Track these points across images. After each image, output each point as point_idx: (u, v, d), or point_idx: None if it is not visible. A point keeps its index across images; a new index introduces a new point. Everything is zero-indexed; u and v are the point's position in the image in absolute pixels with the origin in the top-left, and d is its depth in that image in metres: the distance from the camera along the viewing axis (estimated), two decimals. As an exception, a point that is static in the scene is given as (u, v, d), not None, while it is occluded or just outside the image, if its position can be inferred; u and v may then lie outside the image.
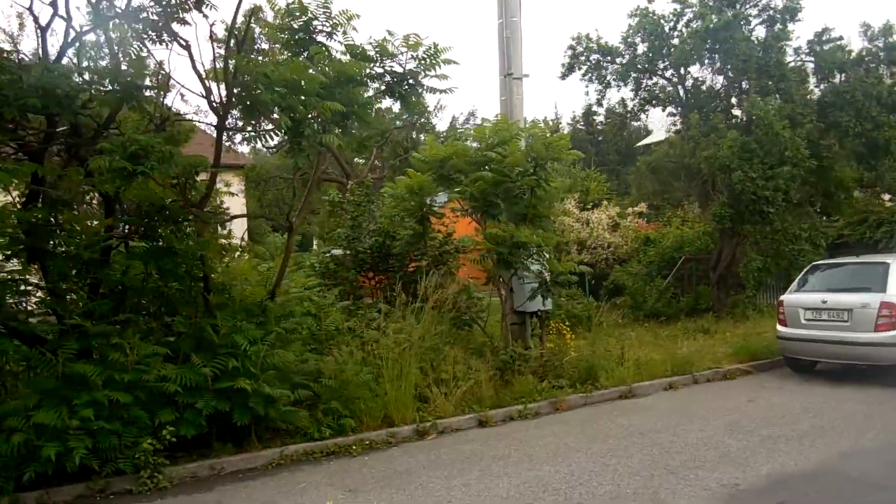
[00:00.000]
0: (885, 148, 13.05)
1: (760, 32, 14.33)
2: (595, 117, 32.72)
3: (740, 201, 12.01)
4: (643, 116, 17.47)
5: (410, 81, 7.20)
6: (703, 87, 14.88)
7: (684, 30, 14.32)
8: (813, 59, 14.19)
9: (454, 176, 9.21)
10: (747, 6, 14.12)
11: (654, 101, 15.99)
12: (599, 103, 16.12)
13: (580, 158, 12.43)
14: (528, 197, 8.95)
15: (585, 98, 15.19)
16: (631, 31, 15.15)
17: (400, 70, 7.13)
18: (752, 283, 12.80)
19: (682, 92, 15.28)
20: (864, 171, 14.40)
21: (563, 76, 16.09)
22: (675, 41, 14.22)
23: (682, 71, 14.85)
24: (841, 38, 14.06)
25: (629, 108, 16.80)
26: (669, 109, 15.99)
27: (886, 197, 22.66)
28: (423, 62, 7.07)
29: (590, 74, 15.90)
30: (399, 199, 9.86)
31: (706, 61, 13.99)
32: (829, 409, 7.60)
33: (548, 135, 9.79)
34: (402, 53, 7.03)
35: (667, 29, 14.74)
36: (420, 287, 8.83)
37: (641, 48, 15.18)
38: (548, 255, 9.37)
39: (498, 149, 8.83)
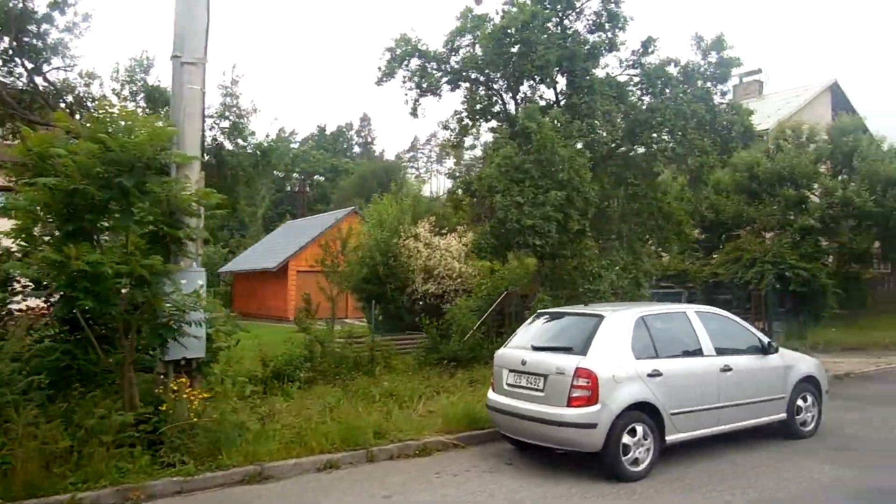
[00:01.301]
0: (697, 175, 11.25)
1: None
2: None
3: (505, 230, 10.02)
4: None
5: None
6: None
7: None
8: (638, 71, 12.44)
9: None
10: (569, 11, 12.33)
11: (483, 115, 14.07)
12: (414, 113, 14.08)
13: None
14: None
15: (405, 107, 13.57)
16: (455, 35, 13.25)
17: None
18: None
19: (508, 104, 13.40)
20: (688, 199, 12.61)
21: (380, 82, 14.08)
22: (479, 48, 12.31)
23: (489, 77, 12.93)
24: (671, 57, 12.39)
25: (462, 123, 14.86)
26: (492, 124, 14.08)
27: (768, 235, 21.23)
28: None
29: (412, 81, 13.91)
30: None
31: (501, 68, 12.05)
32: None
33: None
34: None
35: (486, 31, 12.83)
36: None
37: (464, 53, 13.28)
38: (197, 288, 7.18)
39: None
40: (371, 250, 19.16)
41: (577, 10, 12.08)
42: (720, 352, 7.23)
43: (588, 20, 12.28)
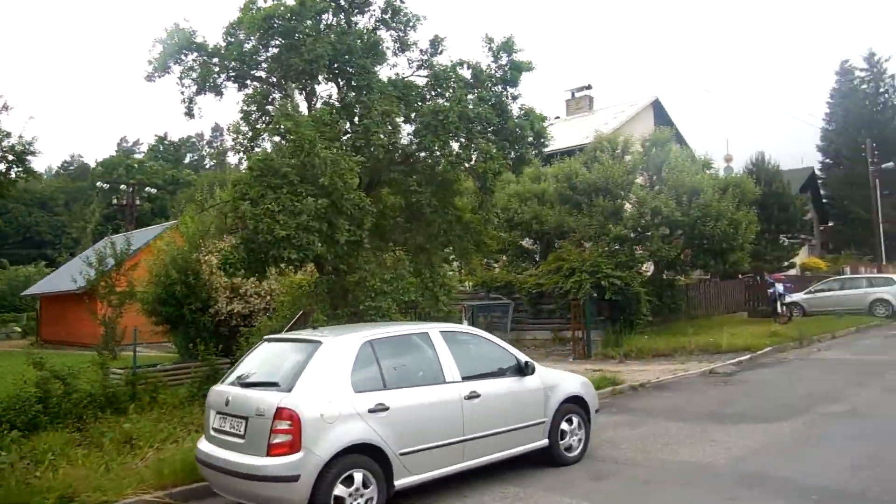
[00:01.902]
0: (482, 182, 10.59)
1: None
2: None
3: (258, 242, 8.76)
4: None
5: None
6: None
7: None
8: (426, 72, 11.67)
9: None
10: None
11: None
12: (190, 113, 12.46)
13: None
14: None
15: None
16: (234, 27, 11.80)
17: None
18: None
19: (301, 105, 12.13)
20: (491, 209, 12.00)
21: (151, 77, 12.32)
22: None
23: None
24: (464, 59, 11.73)
25: (253, 125, 13.40)
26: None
27: (589, 245, 21.53)
28: None
29: (189, 77, 12.28)
30: None
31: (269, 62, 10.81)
32: None
33: None
34: None
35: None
36: None
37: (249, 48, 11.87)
38: None
39: None
40: (166, 267, 17.22)
41: (359, 2, 11.13)
42: (468, 377, 6.38)
43: (374, 16, 11.39)
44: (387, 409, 5.64)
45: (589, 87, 37.63)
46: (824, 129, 55.87)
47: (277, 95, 10.34)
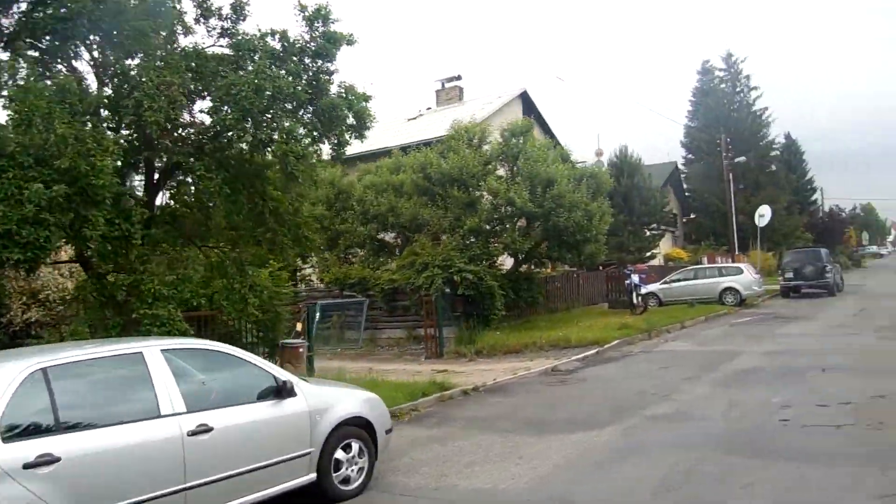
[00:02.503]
0: (283, 166, 9.23)
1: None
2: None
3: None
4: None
5: None
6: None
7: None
8: (227, 42, 10.16)
9: None
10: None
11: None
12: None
13: None
14: None
15: None
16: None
17: None
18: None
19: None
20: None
21: None
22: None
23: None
24: (275, 28, 10.25)
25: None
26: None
27: (445, 238, 20.68)
28: None
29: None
30: None
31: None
32: None
33: None
34: None
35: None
36: None
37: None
38: None
39: None
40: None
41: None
42: (198, 407, 5.05)
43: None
44: (56, 460, 4.20)
45: (459, 78, 36.98)
46: (687, 126, 58.49)
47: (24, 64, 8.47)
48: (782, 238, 48.32)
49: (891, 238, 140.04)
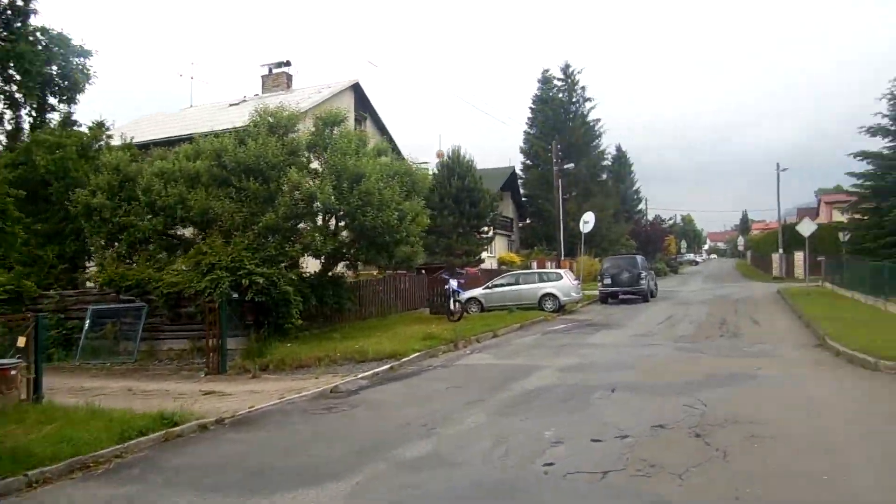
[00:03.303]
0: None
1: None
2: None
3: None
4: None
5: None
6: None
7: None
8: None
9: None
10: None
11: None
12: None
13: None
14: None
15: None
16: None
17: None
18: None
19: None
20: None
21: None
22: None
23: None
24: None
25: None
26: None
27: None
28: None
29: None
30: None
31: None
32: None
33: None
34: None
35: None
36: None
37: None
38: None
39: None
40: None
41: None
42: None
43: None
44: None
45: (288, 64, 34.52)
46: (526, 133, 59.72)
47: None
48: (609, 244, 50.30)
49: (706, 247, 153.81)
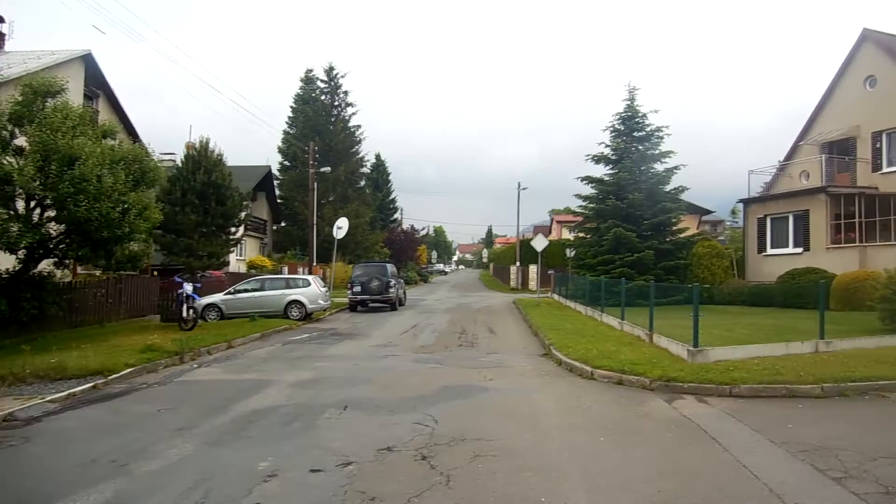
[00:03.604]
0: None
1: None
2: None
3: None
4: None
5: None
6: None
7: None
8: None
9: None
10: None
11: None
12: None
13: None
14: None
15: None
16: None
17: None
18: None
19: None
20: None
21: None
22: None
23: None
24: None
25: None
26: None
27: None
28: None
29: None
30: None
31: None
32: None
33: None
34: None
35: None
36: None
37: None
38: None
39: None
40: None
41: None
42: None
43: None
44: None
45: (1, 21, 29.11)
46: (286, 133, 57.87)
47: None
48: (364, 251, 50.53)
49: (455, 258, 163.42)
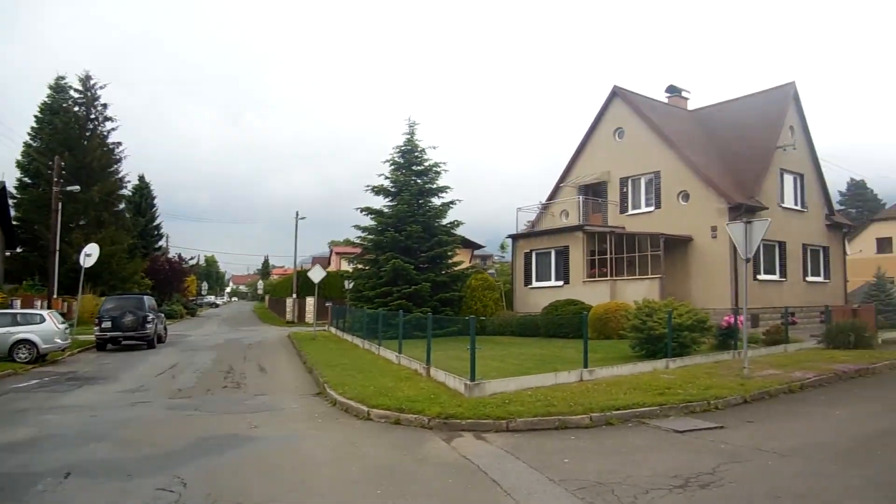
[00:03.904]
0: None
1: None
2: None
3: None
4: None
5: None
6: None
7: None
8: None
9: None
10: None
11: None
12: None
13: None
14: None
15: None
16: None
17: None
18: None
19: None
20: None
21: None
22: None
23: None
24: None
25: None
26: None
27: None
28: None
29: None
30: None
31: None
32: None
33: None
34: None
35: None
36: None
37: None
38: None
39: None
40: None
41: None
42: None
43: None
44: None
45: None
46: (28, 145, 50.50)
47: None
48: (121, 282, 45.31)
49: (229, 289, 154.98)
